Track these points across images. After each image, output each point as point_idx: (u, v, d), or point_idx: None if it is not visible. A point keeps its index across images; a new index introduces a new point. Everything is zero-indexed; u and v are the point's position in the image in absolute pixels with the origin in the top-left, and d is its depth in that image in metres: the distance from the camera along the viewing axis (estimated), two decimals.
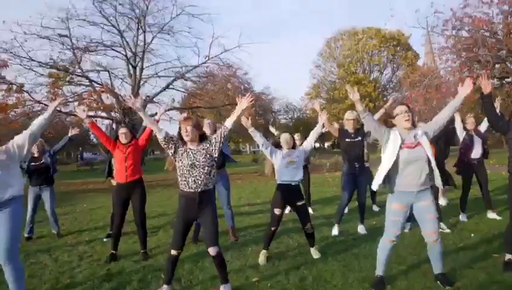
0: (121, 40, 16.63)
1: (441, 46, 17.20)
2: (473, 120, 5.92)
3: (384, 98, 34.58)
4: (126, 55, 16.80)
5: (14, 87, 13.80)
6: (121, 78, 17.60)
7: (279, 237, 5.10)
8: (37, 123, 3.39)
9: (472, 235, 4.93)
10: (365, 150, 5.80)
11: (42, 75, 15.34)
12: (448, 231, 5.14)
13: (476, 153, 5.84)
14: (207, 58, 17.61)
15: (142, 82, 17.10)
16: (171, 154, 3.39)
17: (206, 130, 5.21)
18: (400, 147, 3.18)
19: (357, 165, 5.35)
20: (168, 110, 16.85)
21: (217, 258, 3.31)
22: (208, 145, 3.37)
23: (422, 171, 3.18)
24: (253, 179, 15.61)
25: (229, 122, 3.40)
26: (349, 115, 5.44)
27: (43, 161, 6.13)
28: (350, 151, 5.40)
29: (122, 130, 4.78)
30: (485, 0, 14.88)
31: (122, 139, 4.71)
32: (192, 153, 3.33)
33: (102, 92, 15.09)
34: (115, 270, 4.24)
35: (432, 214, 3.23)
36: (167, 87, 17.36)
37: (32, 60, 14.19)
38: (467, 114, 6.20)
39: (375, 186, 3.34)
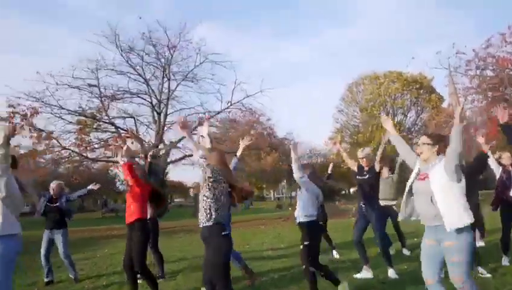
0: (146, 88, 17.19)
1: (465, 86, 17.03)
2: (509, 155, 5.53)
3: (410, 141, 33.95)
4: (151, 103, 17.28)
5: (44, 134, 14.27)
6: (146, 125, 18.01)
7: (302, 282, 4.78)
8: None
9: None
10: (381, 187, 5.64)
11: (71, 122, 15.87)
12: (488, 275, 4.71)
13: None
14: (229, 104, 17.89)
15: (166, 128, 17.41)
16: None
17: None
18: (416, 177, 3.09)
19: (362, 204, 5.27)
20: (189, 155, 16.95)
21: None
22: (211, 180, 3.28)
23: (426, 205, 2.94)
24: (277, 225, 15.21)
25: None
26: (359, 153, 5.48)
27: (57, 204, 6.13)
28: (359, 188, 5.40)
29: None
30: (509, 39, 14.79)
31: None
32: None
33: (128, 137, 15.41)
34: None
35: (454, 257, 2.81)
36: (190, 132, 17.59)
37: (62, 108, 14.76)
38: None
39: (399, 216, 3.18)
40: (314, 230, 4.26)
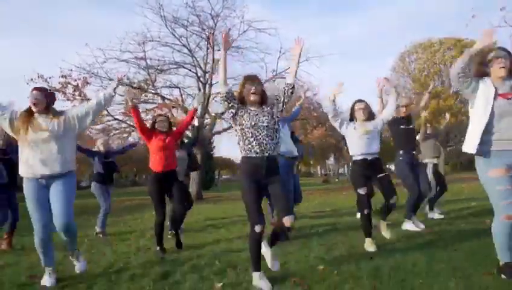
0: (191, 59, 17.15)
1: None
2: None
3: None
4: (196, 73, 17.25)
5: None
6: (192, 96, 18.08)
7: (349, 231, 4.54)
8: (104, 96, 3.45)
9: None
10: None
11: (121, 95, 16.24)
12: None
13: None
14: (274, 73, 17.47)
15: (211, 99, 17.37)
16: (231, 114, 3.01)
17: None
18: (494, 98, 2.66)
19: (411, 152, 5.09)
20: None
21: (284, 229, 2.98)
22: (270, 108, 3.06)
23: None
24: (323, 194, 14.97)
25: (290, 79, 3.13)
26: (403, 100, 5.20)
27: (111, 159, 6.27)
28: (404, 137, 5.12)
29: (161, 118, 4.63)
30: None
31: (162, 127, 4.54)
32: (253, 114, 2.98)
33: (173, 107, 15.56)
34: (170, 258, 4.02)
35: None
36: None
37: (111, 79, 15.07)
38: None
39: (471, 148, 2.72)
40: None
